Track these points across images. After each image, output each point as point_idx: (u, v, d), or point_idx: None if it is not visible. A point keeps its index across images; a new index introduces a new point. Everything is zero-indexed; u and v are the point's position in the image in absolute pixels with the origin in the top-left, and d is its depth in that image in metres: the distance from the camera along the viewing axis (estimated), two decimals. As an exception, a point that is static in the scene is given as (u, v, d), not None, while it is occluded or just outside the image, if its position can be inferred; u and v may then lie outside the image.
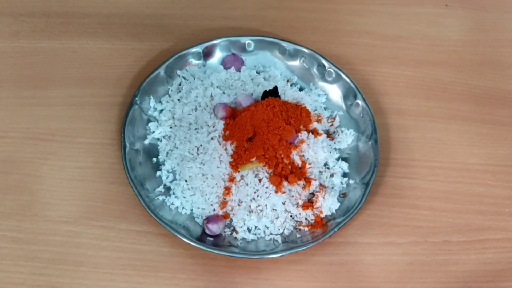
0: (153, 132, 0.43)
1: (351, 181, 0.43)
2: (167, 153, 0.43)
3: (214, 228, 0.40)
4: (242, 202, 0.40)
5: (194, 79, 0.46)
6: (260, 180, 0.40)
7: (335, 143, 0.44)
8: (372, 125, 0.44)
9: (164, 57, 0.46)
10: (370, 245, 0.41)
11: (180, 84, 0.46)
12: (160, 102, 0.45)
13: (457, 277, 0.40)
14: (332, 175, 0.43)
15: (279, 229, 0.41)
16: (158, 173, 0.42)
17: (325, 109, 0.46)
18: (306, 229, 0.41)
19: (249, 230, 0.40)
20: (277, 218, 0.40)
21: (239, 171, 0.40)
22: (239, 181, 0.40)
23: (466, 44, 0.51)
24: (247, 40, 0.47)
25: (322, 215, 0.41)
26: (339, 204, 0.42)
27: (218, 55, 0.47)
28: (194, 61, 0.47)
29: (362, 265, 0.40)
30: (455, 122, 0.47)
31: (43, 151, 0.42)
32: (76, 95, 0.45)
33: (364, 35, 0.50)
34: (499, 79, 0.49)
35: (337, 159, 0.44)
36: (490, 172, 0.45)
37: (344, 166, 0.43)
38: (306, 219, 0.41)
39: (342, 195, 0.42)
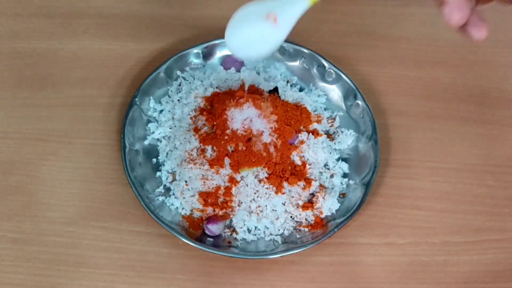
0: (153, 132, 0.43)
1: (351, 182, 0.43)
2: (167, 153, 0.43)
3: (214, 228, 0.40)
4: (242, 202, 0.40)
5: (194, 79, 0.46)
6: (260, 181, 0.41)
7: (335, 143, 0.44)
8: (372, 125, 0.44)
9: (164, 57, 0.46)
10: (370, 246, 0.41)
11: (180, 85, 0.46)
12: (160, 102, 0.45)
13: (457, 278, 0.40)
14: (332, 176, 0.43)
15: (279, 230, 0.41)
16: (158, 173, 0.42)
17: (325, 109, 0.46)
18: (306, 229, 0.41)
19: (249, 231, 0.40)
20: (277, 218, 0.41)
21: (239, 172, 0.41)
22: (239, 182, 0.41)
23: (466, 44, 0.51)
24: (247, 41, 0.47)
25: (322, 216, 0.41)
26: (339, 204, 0.42)
27: (218, 56, 0.47)
28: (194, 62, 0.47)
29: (362, 265, 0.40)
30: (455, 122, 0.47)
31: (43, 152, 0.42)
32: (75, 96, 0.45)
33: (364, 35, 0.51)
34: (499, 80, 0.50)
35: (337, 160, 0.44)
36: (490, 172, 0.45)
37: (344, 166, 0.43)
38: (306, 219, 0.41)
39: (342, 196, 0.43)
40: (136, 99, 0.43)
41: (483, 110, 0.48)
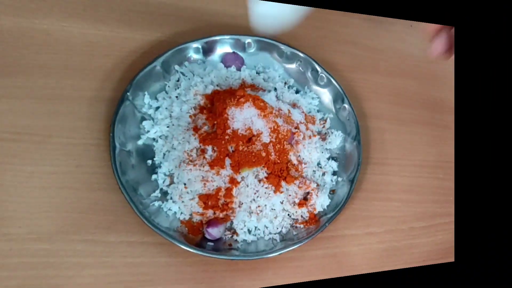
0: (148, 131, 0.21)
1: (339, 179, 0.25)
2: (164, 154, 0.21)
3: (215, 232, 0.19)
4: (242, 203, 0.21)
5: (194, 75, 0.23)
6: (260, 181, 0.21)
7: (326, 143, 0.25)
8: (356, 127, 0.26)
9: (160, 49, 0.23)
10: (355, 237, 0.24)
11: (178, 80, 0.23)
12: (156, 98, 0.22)
13: (418, 258, 0.25)
14: (323, 174, 0.24)
15: (277, 228, 0.22)
16: (154, 176, 0.20)
17: (318, 111, 0.26)
18: (302, 226, 0.22)
19: (250, 232, 0.21)
20: (275, 217, 0.22)
21: (239, 173, 0.20)
22: (240, 182, 0.20)
23: (426, 60, 0.31)
24: (247, 40, 0.25)
25: (316, 212, 0.23)
26: (329, 200, 0.23)
27: (218, 52, 0.25)
28: (194, 57, 0.23)
29: (349, 255, 0.23)
30: (417, 125, 0.30)
31: (7, 154, 0.19)
32: (50, 87, 0.21)
33: (350, 44, 0.30)
34: (447, 90, 0.31)
35: (328, 159, 0.25)
36: (440, 167, 0.29)
37: (334, 165, 0.25)
38: (301, 216, 0.23)
39: (332, 192, 0.23)
40: (128, 93, 0.21)
41: (436, 115, 0.30)
